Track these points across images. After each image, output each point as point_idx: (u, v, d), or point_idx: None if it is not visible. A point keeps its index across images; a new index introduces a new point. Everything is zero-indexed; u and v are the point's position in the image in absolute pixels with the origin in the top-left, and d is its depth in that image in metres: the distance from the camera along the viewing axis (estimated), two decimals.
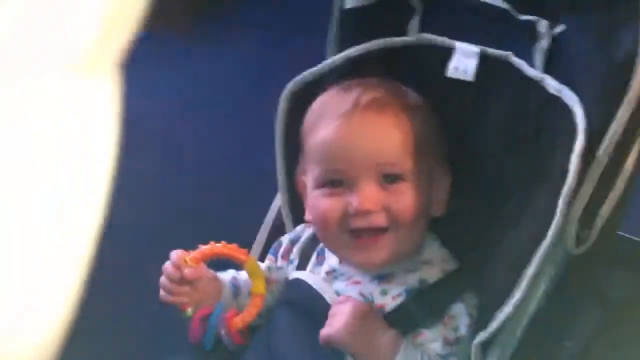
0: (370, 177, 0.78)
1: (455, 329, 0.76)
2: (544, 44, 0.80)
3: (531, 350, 0.76)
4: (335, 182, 0.80)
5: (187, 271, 0.81)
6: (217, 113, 2.58)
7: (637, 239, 1.09)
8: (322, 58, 0.97)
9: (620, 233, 1.06)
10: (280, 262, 0.91)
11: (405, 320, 0.77)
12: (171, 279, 0.82)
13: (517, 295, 0.71)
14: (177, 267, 0.82)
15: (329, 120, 0.81)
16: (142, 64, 3.22)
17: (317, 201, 0.81)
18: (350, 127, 0.79)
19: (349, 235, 0.79)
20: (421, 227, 0.82)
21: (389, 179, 0.79)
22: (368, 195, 0.77)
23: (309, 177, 0.84)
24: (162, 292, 0.83)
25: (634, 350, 0.96)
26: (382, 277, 0.81)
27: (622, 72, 0.69)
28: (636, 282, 1.05)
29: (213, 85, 2.80)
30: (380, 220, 0.78)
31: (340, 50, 0.95)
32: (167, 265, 0.83)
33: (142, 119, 2.62)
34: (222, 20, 3.40)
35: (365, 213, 0.77)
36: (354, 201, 0.77)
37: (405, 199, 0.78)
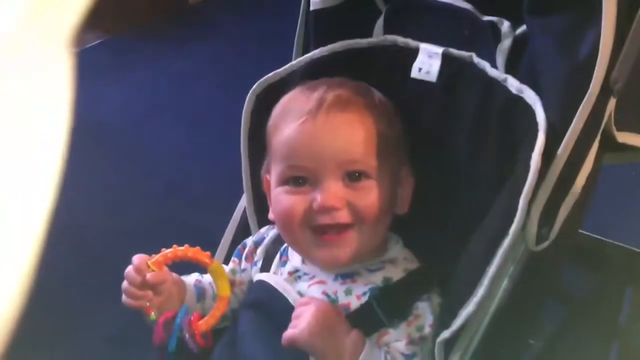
0: (335, 174, 0.78)
1: (420, 329, 0.76)
2: (506, 44, 0.81)
3: (495, 348, 0.76)
4: (299, 179, 0.79)
5: (149, 275, 0.80)
6: (187, 114, 2.57)
7: (599, 237, 1.11)
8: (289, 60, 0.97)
9: (584, 232, 1.08)
10: (244, 264, 0.90)
11: (370, 319, 0.76)
12: (133, 283, 0.81)
13: (480, 292, 0.71)
14: (139, 271, 0.81)
15: (294, 118, 0.80)
16: (110, 67, 3.21)
17: (280, 198, 0.81)
18: (315, 125, 0.79)
19: (312, 232, 0.79)
20: (385, 224, 0.82)
21: (353, 176, 0.78)
22: (332, 192, 0.77)
23: (273, 175, 0.83)
24: (124, 297, 0.82)
25: (596, 348, 0.97)
26: (345, 276, 0.80)
27: (582, 73, 0.69)
28: (598, 280, 1.07)
29: (182, 87, 2.79)
30: (344, 217, 0.78)
31: (306, 52, 0.95)
32: (129, 270, 0.82)
33: (111, 121, 2.61)
34: (191, 21, 3.39)
35: (330, 209, 0.77)
36: (318, 198, 0.77)
37: (369, 196, 0.78)
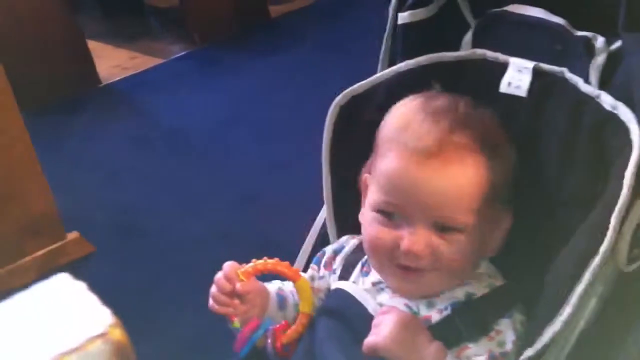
0: (426, 221, 0.77)
1: (501, 344, 0.75)
2: (600, 60, 0.80)
3: None
4: (391, 214, 0.80)
5: (239, 285, 0.83)
6: (267, 124, 2.62)
7: None
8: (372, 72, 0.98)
9: None
10: (322, 272, 0.91)
11: (451, 333, 0.76)
12: (223, 291, 0.83)
13: (567, 311, 0.69)
14: (230, 279, 0.83)
15: (407, 148, 0.79)
16: (195, 77, 3.31)
17: (370, 225, 0.81)
18: (424, 171, 0.77)
19: (395, 265, 0.80)
20: (469, 268, 0.81)
21: (444, 227, 0.78)
22: (419, 238, 0.77)
23: (370, 194, 0.83)
24: (211, 302, 0.84)
25: None
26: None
27: None
28: None
29: (264, 96, 2.85)
30: (426, 263, 0.78)
31: (392, 64, 0.96)
32: (220, 277, 0.84)
33: (194, 129, 2.68)
34: (268, 32, 3.46)
35: (414, 254, 0.77)
36: (405, 240, 0.77)
37: (456, 249, 0.78)
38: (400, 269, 0.79)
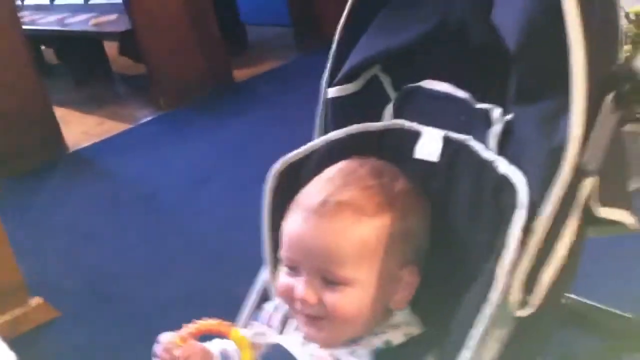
0: (314, 273, 0.86)
1: None
2: (497, 129, 0.90)
3: None
4: (293, 267, 0.89)
5: (177, 352, 0.88)
6: (233, 185, 2.67)
7: (609, 309, 1.16)
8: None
9: (597, 305, 1.14)
10: (262, 328, 0.98)
11: None
12: None
13: (467, 355, 0.78)
14: (168, 350, 0.89)
15: (298, 209, 0.89)
16: (162, 140, 3.37)
17: (281, 277, 0.91)
18: (306, 227, 0.86)
19: (300, 314, 0.88)
20: (371, 318, 0.87)
21: (330, 281, 0.85)
22: (307, 288, 0.86)
23: None
24: None
25: None
26: (351, 341, 0.88)
27: (558, 155, 0.78)
28: (600, 348, 1.12)
29: (230, 158, 2.92)
30: (315, 311, 0.86)
31: (325, 132, 1.06)
32: (158, 349, 0.90)
33: (162, 191, 2.74)
34: (237, 96, 3.56)
35: (305, 302, 0.86)
36: (297, 289, 0.87)
37: (343, 302, 0.85)
38: (303, 317, 0.88)
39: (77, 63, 4.01)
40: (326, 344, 0.88)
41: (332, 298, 0.85)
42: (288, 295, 0.89)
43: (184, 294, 2.02)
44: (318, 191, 0.89)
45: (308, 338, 0.90)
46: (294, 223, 0.89)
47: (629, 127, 0.87)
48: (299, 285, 0.87)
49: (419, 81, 1.01)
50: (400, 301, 0.90)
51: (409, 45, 1.00)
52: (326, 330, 0.87)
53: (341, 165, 0.93)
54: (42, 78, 3.24)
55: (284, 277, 0.90)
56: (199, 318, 0.92)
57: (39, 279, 2.08)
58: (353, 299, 0.85)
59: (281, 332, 0.96)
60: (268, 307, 1.00)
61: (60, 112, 3.34)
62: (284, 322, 0.96)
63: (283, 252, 0.90)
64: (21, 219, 2.55)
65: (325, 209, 0.85)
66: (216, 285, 2.03)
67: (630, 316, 1.11)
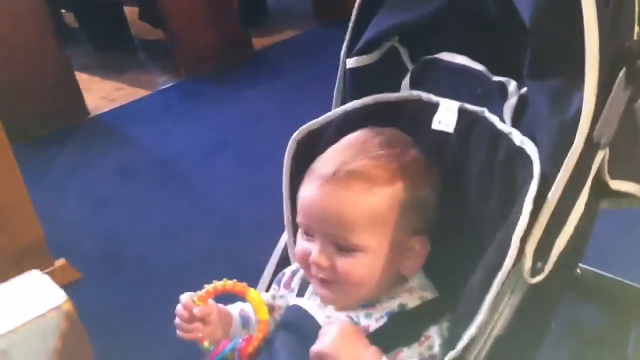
0: (327, 239, 0.89)
1: (430, 348, 0.86)
2: (512, 102, 0.92)
3: None
4: (307, 232, 0.92)
5: (196, 310, 0.93)
6: (248, 154, 2.71)
7: (603, 273, 1.19)
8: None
9: (601, 272, 1.17)
10: (282, 291, 1.03)
11: (387, 339, 0.87)
12: (183, 319, 0.94)
13: (480, 317, 0.81)
14: (187, 307, 0.94)
15: (314, 177, 0.92)
16: (180, 108, 3.38)
17: (299, 242, 0.95)
18: (320, 194, 0.89)
19: (315, 277, 0.92)
20: (377, 285, 0.90)
21: (343, 247, 0.89)
22: (321, 253, 0.89)
23: None
24: (178, 331, 0.95)
25: None
26: (367, 304, 0.92)
27: (570, 129, 0.80)
28: (612, 318, 1.14)
29: (246, 127, 2.94)
30: (327, 275, 0.90)
31: (343, 103, 1.09)
32: (179, 308, 0.95)
33: (178, 157, 2.77)
34: (256, 66, 3.57)
35: (318, 266, 0.90)
36: (312, 254, 0.90)
37: (354, 267, 0.88)
38: (318, 280, 0.92)
39: (97, 27, 4.01)
40: (341, 306, 0.92)
41: (343, 263, 0.89)
42: (304, 260, 0.92)
43: (200, 258, 2.06)
44: (332, 160, 0.92)
45: (323, 300, 0.93)
46: (308, 191, 0.92)
47: None
48: (314, 251, 0.90)
49: (436, 54, 1.02)
50: (412, 268, 0.93)
51: (426, 18, 1.02)
52: (339, 293, 0.91)
53: (357, 135, 0.96)
54: (63, 43, 3.25)
55: (301, 243, 0.94)
56: (212, 281, 0.96)
57: (58, 241, 2.13)
58: (364, 265, 0.89)
59: (301, 295, 0.99)
60: (288, 271, 1.04)
61: (80, 78, 3.36)
62: (304, 287, 1.00)
63: (299, 219, 0.93)
64: (42, 182, 2.59)
65: (338, 178, 0.88)
66: (231, 250, 2.07)
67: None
